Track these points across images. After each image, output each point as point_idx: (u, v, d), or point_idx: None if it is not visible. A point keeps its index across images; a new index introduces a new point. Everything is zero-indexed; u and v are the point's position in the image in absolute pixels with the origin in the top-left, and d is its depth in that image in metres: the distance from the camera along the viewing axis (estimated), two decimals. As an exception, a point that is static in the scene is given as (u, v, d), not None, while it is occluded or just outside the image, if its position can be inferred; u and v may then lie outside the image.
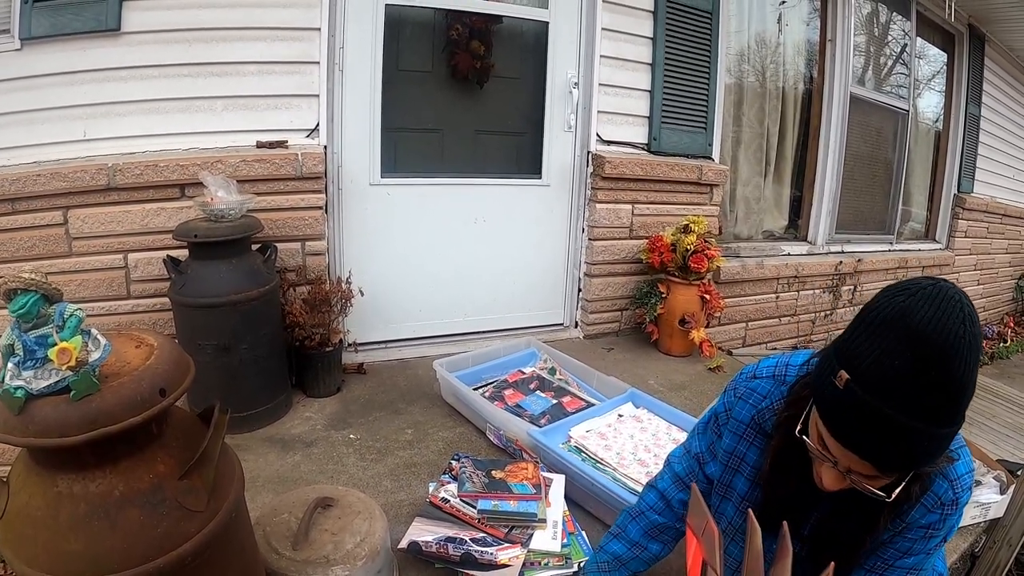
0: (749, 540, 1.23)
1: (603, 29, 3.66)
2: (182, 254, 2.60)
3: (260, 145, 2.95)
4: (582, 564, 1.87)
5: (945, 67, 6.28)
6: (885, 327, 1.01)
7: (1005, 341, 7.39)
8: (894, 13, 5.63)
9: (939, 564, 1.52)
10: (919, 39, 5.85)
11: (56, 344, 1.06)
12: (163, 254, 2.63)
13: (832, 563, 1.16)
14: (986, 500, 2.39)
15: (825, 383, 1.08)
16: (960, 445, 1.21)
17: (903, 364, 0.98)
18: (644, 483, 2.15)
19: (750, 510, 1.25)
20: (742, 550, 1.35)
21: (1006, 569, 2.39)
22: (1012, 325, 7.86)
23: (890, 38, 5.79)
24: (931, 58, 6.22)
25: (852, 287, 5.33)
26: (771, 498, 1.37)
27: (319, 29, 2.98)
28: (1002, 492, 2.41)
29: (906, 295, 1.02)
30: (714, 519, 1.54)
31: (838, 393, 1.04)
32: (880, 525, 1.22)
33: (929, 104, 6.43)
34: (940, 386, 0.97)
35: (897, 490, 1.11)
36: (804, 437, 1.18)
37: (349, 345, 3.25)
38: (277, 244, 2.85)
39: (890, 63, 5.89)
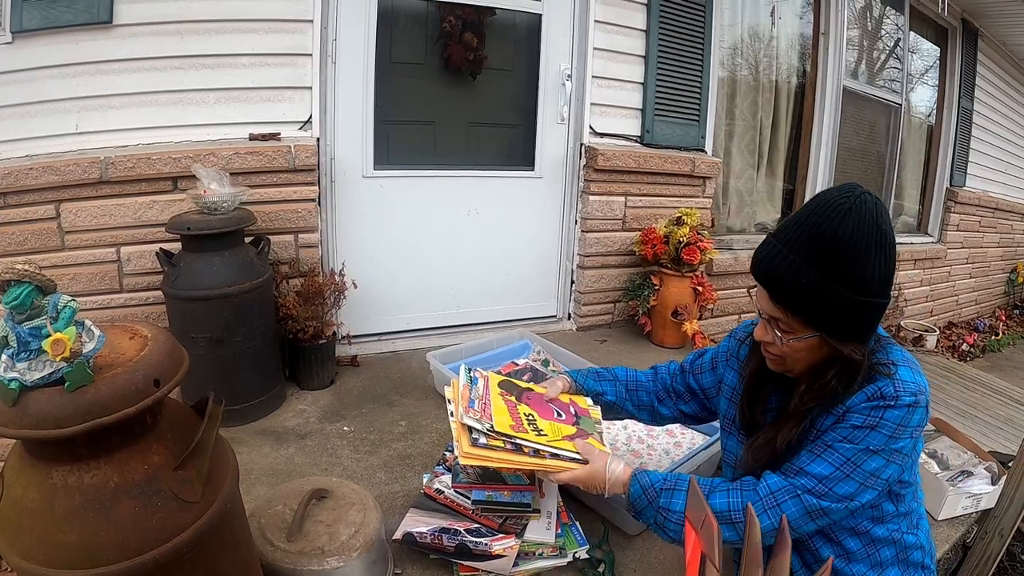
0: (748, 533, 1.25)
1: (596, 21, 3.67)
2: (175, 247, 2.60)
3: (253, 137, 2.95)
4: (577, 555, 1.89)
5: (938, 61, 6.31)
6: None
7: (997, 334, 7.44)
8: (887, 7, 5.66)
9: (926, 542, 1.59)
10: (912, 33, 5.88)
11: (50, 335, 1.05)
12: (156, 247, 2.62)
13: (831, 558, 1.24)
14: (978, 491, 2.41)
15: None
16: (907, 362, 1.40)
17: (798, 215, 1.34)
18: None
19: (750, 504, 1.30)
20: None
21: (998, 559, 2.40)
22: (1004, 318, 7.91)
23: (883, 32, 5.82)
24: (924, 52, 6.24)
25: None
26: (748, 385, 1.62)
27: (312, 21, 2.98)
28: (994, 483, 2.43)
29: None
30: (721, 454, 1.84)
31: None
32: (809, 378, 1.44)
33: (922, 98, 6.46)
34: (813, 230, 1.29)
35: (804, 337, 1.37)
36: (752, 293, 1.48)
37: (342, 337, 3.25)
38: (270, 236, 2.85)
39: (883, 57, 5.91)
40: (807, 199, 5.05)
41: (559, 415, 1.83)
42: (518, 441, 1.63)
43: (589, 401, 1.96)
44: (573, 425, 1.79)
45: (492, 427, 1.64)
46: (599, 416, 1.90)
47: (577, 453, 1.65)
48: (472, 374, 1.89)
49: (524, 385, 1.96)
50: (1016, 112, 7.47)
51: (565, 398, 1.95)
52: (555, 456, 1.64)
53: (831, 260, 1.27)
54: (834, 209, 1.27)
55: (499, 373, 2.14)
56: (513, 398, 1.84)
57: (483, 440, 1.63)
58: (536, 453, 1.63)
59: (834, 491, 1.37)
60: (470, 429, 1.64)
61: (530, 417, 1.75)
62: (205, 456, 1.26)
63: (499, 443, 1.63)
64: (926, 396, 1.35)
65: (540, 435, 1.68)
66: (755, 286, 1.43)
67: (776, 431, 1.46)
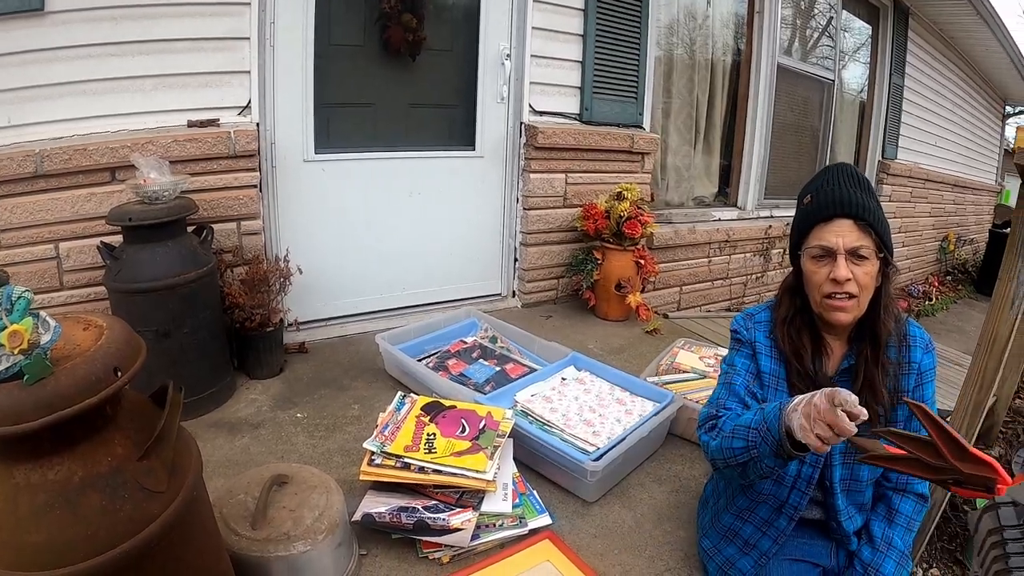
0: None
1: (534, 1, 3.70)
2: (116, 240, 2.55)
3: (192, 124, 2.92)
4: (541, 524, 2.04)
5: (870, 39, 6.48)
6: (817, 173, 1.74)
7: (930, 299, 7.73)
8: (820, -14, 5.77)
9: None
10: (845, 12, 6.02)
11: (6, 327, 1.02)
12: (96, 241, 2.58)
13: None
14: (918, 443, 2.56)
15: (799, 211, 1.70)
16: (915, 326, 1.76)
17: (836, 178, 1.65)
18: (591, 443, 2.32)
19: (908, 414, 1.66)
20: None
21: (941, 509, 2.52)
22: (936, 284, 8.22)
23: (816, 11, 5.96)
24: (856, 31, 6.41)
25: (782, 250, 5.53)
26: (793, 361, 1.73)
27: (249, 4, 2.94)
28: (932, 436, 2.58)
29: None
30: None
31: (809, 206, 1.66)
32: (882, 339, 1.65)
33: (854, 75, 6.64)
34: (854, 175, 1.66)
35: (880, 256, 1.61)
36: (801, 254, 1.69)
37: (290, 324, 3.26)
38: (213, 225, 2.84)
39: (816, 35, 6.06)
40: (743, 174, 5.31)
41: (463, 431, 2.18)
42: (406, 460, 2.02)
43: (508, 414, 2.29)
44: (470, 441, 2.12)
45: (383, 449, 2.05)
46: (509, 428, 2.21)
47: (458, 467, 1.99)
48: (404, 399, 2.36)
49: (449, 404, 2.35)
50: (945, 87, 7.74)
51: (483, 411, 2.29)
52: (437, 472, 1.99)
53: (868, 191, 1.64)
54: (855, 169, 1.69)
55: (432, 395, 2.52)
56: (428, 418, 2.23)
57: (378, 460, 2.04)
58: (421, 470, 2.00)
59: None
60: (371, 451, 2.06)
61: (432, 436, 2.13)
62: (169, 444, 1.25)
63: (390, 462, 2.03)
64: None
65: (430, 453, 2.05)
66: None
67: (876, 377, 1.64)
